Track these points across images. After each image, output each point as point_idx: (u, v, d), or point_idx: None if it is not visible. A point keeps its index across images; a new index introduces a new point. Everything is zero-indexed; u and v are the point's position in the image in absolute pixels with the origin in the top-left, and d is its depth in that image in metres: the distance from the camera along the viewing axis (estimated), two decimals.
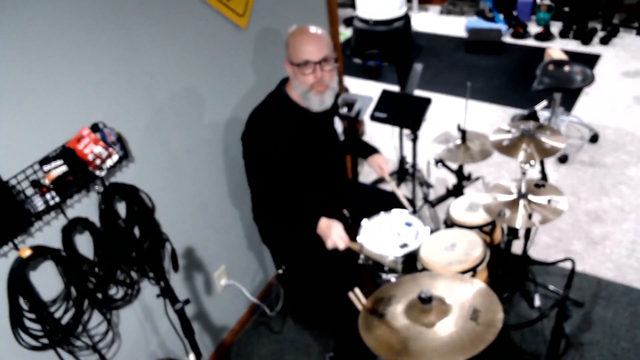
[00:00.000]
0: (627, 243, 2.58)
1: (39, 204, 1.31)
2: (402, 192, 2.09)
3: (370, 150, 2.12)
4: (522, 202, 1.68)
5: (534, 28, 4.86)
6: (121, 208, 1.61)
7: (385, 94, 2.68)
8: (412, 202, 2.16)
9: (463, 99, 2.17)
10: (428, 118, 2.55)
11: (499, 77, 4.21)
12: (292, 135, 1.75)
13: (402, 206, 1.98)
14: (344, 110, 2.09)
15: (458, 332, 1.18)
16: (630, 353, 2.07)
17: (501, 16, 5.07)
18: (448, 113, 3.73)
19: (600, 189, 2.95)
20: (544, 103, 2.18)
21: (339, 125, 1.95)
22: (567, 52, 3.95)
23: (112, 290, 1.64)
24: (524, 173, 1.68)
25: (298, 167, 1.80)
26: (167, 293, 1.48)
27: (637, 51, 4.33)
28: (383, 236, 1.81)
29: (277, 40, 2.14)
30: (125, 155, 1.54)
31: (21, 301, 1.35)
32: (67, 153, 1.36)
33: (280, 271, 2.05)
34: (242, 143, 1.81)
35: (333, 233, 1.72)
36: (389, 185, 2.03)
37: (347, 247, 1.72)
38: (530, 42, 4.73)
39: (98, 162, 1.43)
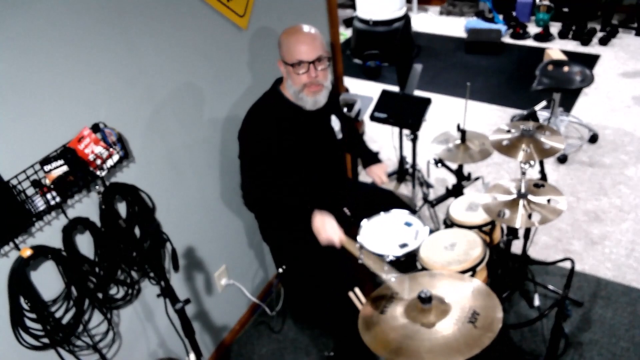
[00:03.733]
0: (626, 243, 2.59)
1: (39, 204, 1.32)
2: (402, 192, 2.09)
3: (370, 159, 2.07)
4: (521, 202, 1.69)
5: (533, 28, 4.87)
6: (122, 208, 1.61)
7: (385, 94, 2.68)
8: (411, 202, 2.17)
9: (463, 99, 2.17)
10: (428, 118, 2.56)
11: (499, 78, 4.22)
12: (287, 133, 1.75)
13: (403, 206, 1.97)
14: (343, 110, 2.09)
15: (455, 334, 1.18)
16: (630, 352, 2.07)
17: (501, 17, 5.08)
18: (448, 113, 3.73)
19: (600, 189, 2.95)
20: (544, 103, 2.18)
21: (336, 123, 1.95)
22: (566, 53, 3.96)
23: (113, 290, 1.65)
24: (523, 173, 1.69)
25: (294, 164, 1.80)
26: (167, 293, 1.48)
27: (636, 51, 4.34)
28: (383, 236, 1.81)
29: (277, 41, 2.15)
30: (126, 155, 1.55)
31: (22, 301, 1.35)
32: (67, 153, 1.36)
33: (281, 270, 2.06)
34: (239, 141, 1.81)
35: (326, 228, 1.66)
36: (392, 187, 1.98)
37: (342, 244, 1.64)
38: (529, 42, 4.74)
39: (99, 162, 1.44)
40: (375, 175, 2.04)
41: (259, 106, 1.80)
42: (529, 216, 1.64)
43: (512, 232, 2.00)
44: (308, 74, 1.67)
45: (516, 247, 2.25)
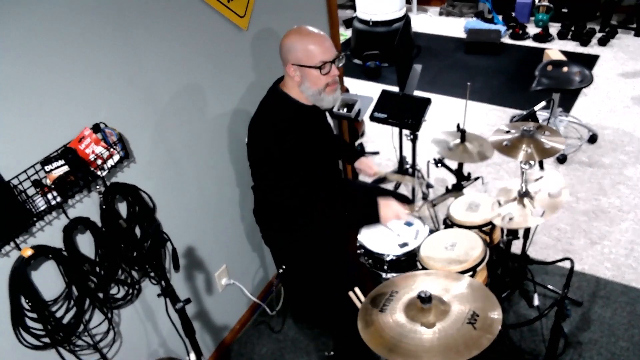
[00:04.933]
0: (625, 243, 2.59)
1: (40, 203, 1.32)
2: (402, 192, 2.10)
3: (355, 154, 2.11)
4: (524, 201, 1.69)
5: (532, 29, 4.88)
6: (122, 208, 1.62)
7: (385, 94, 2.68)
8: (412, 202, 2.17)
9: (462, 100, 2.18)
10: (428, 118, 2.56)
11: (498, 78, 4.23)
12: (298, 133, 1.75)
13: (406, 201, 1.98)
14: (343, 110, 2.10)
15: (454, 334, 1.18)
16: (629, 352, 2.08)
17: (500, 17, 5.08)
18: (447, 113, 3.74)
19: (599, 189, 2.96)
20: (543, 104, 2.18)
21: (330, 120, 1.97)
22: (565, 53, 3.97)
23: (113, 290, 1.65)
24: (523, 173, 1.69)
25: (301, 164, 1.80)
26: (168, 292, 1.49)
27: (635, 52, 4.35)
28: (383, 236, 1.82)
29: (278, 41, 2.15)
30: (127, 156, 1.55)
31: (23, 300, 1.36)
32: (68, 153, 1.37)
33: (281, 270, 2.06)
34: (251, 148, 1.78)
35: (394, 209, 1.76)
36: (392, 178, 1.99)
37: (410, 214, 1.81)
38: (529, 43, 4.75)
39: (99, 162, 1.44)
40: (366, 166, 2.05)
41: (266, 110, 1.76)
42: (531, 213, 1.63)
43: (512, 232, 2.01)
44: (330, 74, 1.67)
45: (516, 247, 2.25)
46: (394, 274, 1.73)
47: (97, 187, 1.50)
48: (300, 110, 1.77)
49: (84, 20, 1.37)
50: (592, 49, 4.49)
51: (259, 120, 1.77)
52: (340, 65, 1.70)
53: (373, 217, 1.76)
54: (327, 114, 1.97)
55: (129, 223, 1.62)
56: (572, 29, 4.67)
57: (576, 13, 4.76)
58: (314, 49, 1.64)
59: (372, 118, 2.66)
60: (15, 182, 1.26)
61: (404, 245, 1.75)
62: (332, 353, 2.14)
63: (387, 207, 1.76)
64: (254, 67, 2.08)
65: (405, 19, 3.14)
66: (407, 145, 2.97)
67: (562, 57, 3.69)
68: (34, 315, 1.38)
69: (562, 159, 3.18)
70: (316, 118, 1.82)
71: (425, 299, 1.24)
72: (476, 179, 2.41)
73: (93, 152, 1.42)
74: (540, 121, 2.12)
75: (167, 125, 1.73)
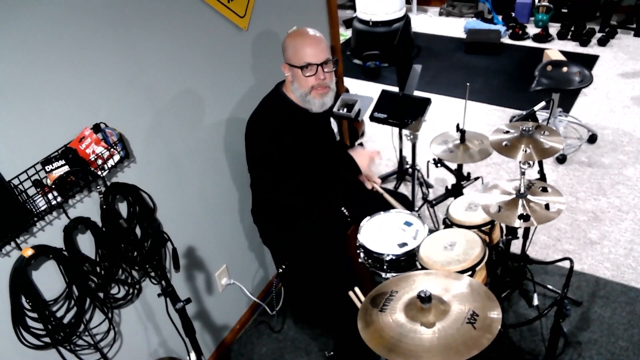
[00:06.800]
0: (624, 243, 2.59)
1: (41, 203, 1.32)
2: (402, 192, 2.09)
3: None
4: (520, 202, 1.69)
5: (532, 29, 4.88)
6: (123, 208, 1.62)
7: (384, 94, 2.68)
8: (412, 202, 2.17)
9: (462, 100, 2.18)
10: (427, 118, 2.56)
11: (498, 78, 4.23)
12: (292, 135, 1.76)
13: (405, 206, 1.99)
14: (343, 110, 2.11)
15: (454, 334, 1.18)
16: (628, 352, 2.08)
17: (500, 17, 5.09)
18: (447, 114, 3.74)
19: (599, 189, 2.96)
20: (543, 104, 2.19)
21: (334, 125, 1.97)
22: (565, 53, 3.97)
23: (114, 290, 1.65)
24: (523, 173, 1.69)
25: (297, 165, 1.81)
26: (168, 292, 1.49)
27: (635, 52, 4.35)
28: (382, 235, 1.82)
29: (278, 41, 2.15)
30: (127, 156, 1.55)
31: (23, 300, 1.36)
32: (69, 153, 1.37)
33: (281, 270, 2.06)
34: (246, 147, 1.81)
35: (365, 154, 1.85)
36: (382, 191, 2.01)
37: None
38: (528, 43, 4.75)
39: (100, 162, 1.44)
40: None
41: (263, 109, 1.80)
42: (527, 217, 1.64)
43: (512, 232, 2.01)
44: (316, 76, 1.68)
45: (515, 246, 2.25)
46: (394, 274, 1.73)
47: (98, 187, 1.50)
48: (297, 112, 1.77)
49: (84, 20, 1.37)
50: (592, 49, 4.50)
51: (255, 119, 1.79)
52: (328, 70, 1.70)
53: (354, 171, 1.84)
54: (333, 120, 1.97)
55: (129, 223, 1.62)
56: (572, 29, 4.67)
57: (576, 13, 4.76)
58: (302, 50, 1.66)
59: (372, 118, 2.66)
60: (15, 182, 1.27)
61: (404, 245, 1.75)
62: (332, 353, 2.14)
63: (360, 155, 1.84)
64: (254, 67, 2.09)
65: (405, 19, 3.15)
66: (407, 145, 2.97)
67: (562, 57, 3.69)
68: (35, 315, 1.39)
69: (561, 159, 3.18)
70: (313, 122, 1.82)
71: (425, 299, 1.24)
72: (476, 179, 2.41)
73: (93, 152, 1.42)
74: (540, 121, 2.12)
75: (168, 125, 1.73)
